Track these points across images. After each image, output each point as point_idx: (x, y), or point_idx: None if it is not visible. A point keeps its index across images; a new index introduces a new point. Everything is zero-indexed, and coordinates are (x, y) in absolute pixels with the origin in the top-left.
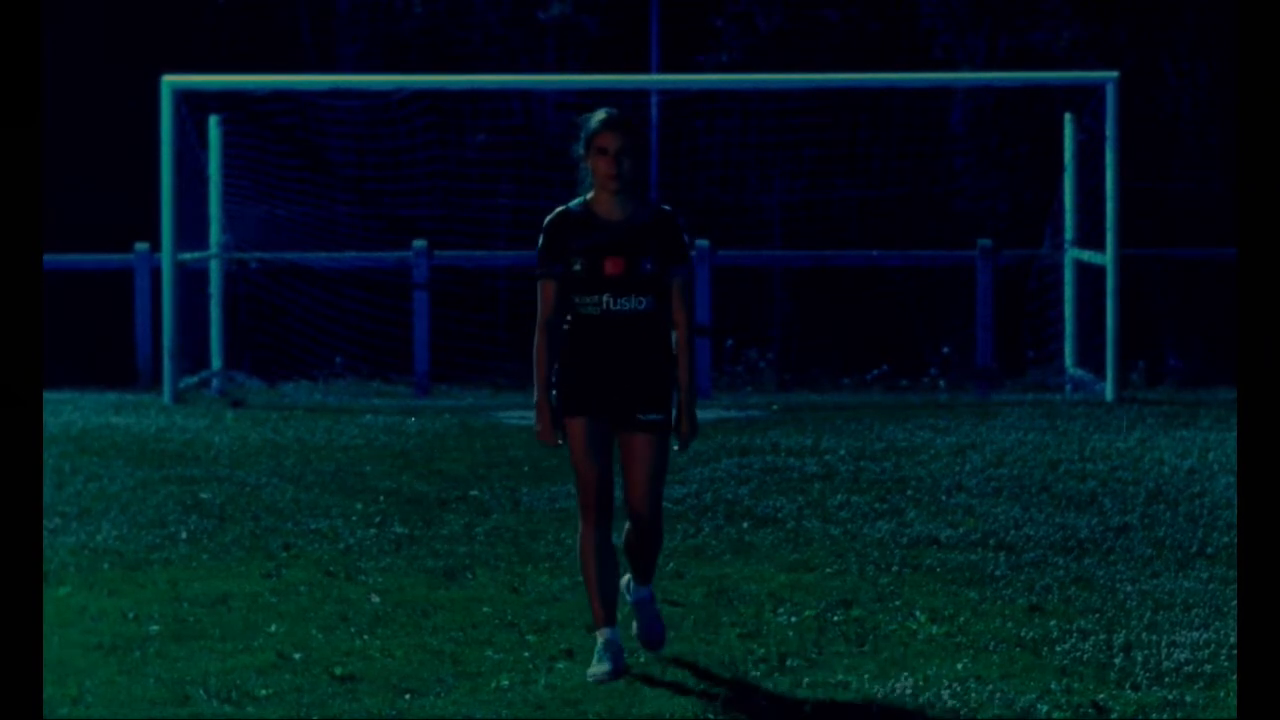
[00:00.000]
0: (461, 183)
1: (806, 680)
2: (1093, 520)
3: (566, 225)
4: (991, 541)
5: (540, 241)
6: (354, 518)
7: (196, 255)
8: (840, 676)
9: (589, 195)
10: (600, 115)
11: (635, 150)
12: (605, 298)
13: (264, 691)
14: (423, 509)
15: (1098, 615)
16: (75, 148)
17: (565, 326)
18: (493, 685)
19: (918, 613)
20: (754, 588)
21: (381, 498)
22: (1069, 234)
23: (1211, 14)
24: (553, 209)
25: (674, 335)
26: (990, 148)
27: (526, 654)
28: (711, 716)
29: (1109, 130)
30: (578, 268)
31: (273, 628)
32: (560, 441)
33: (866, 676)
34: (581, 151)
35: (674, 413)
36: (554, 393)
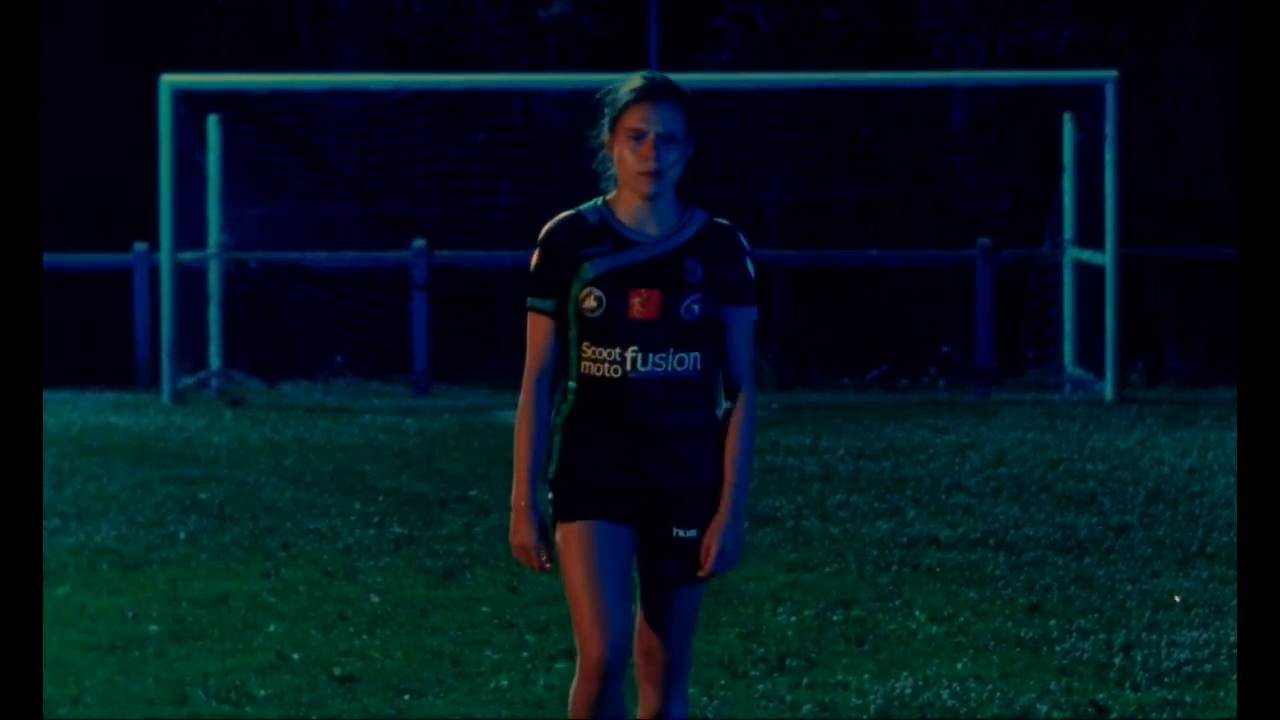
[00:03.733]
0: (461, 182)
1: (806, 680)
2: (1092, 520)
3: (575, 237)
4: (991, 541)
5: (535, 257)
6: (353, 517)
7: (195, 255)
8: (840, 676)
9: (610, 196)
10: (636, 82)
11: (686, 133)
12: (631, 352)
13: (263, 691)
14: (422, 509)
15: (1097, 615)
16: (74, 147)
17: (567, 392)
18: (492, 685)
19: (917, 612)
20: (753, 587)
21: (380, 497)
22: (1069, 233)
23: (1212, 13)
24: (554, 211)
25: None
26: (990, 147)
27: (525, 654)
28: (711, 716)
29: (1109, 130)
30: (591, 303)
31: (272, 627)
32: (548, 563)
33: (866, 676)
34: (605, 136)
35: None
36: (549, 493)
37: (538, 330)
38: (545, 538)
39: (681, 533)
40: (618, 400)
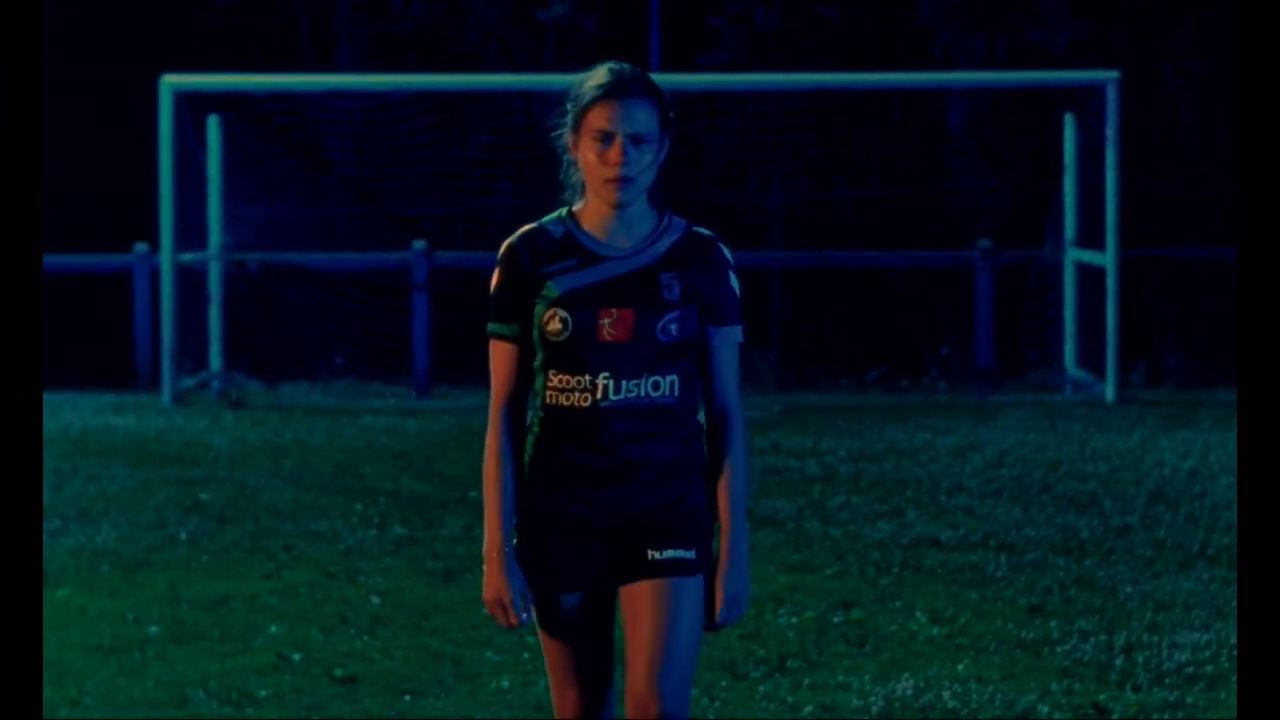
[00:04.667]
0: (462, 183)
1: (807, 681)
2: (1093, 521)
3: (537, 253)
4: (992, 542)
5: (494, 277)
6: (354, 519)
7: (196, 256)
8: (841, 678)
9: (576, 206)
10: (600, 76)
11: (659, 132)
12: (602, 379)
13: (264, 693)
14: (423, 510)
15: (1098, 616)
16: (75, 148)
17: (532, 425)
18: (492, 687)
19: (918, 614)
20: (754, 588)
21: (381, 499)
22: (1069, 234)
23: (1211, 13)
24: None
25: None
26: (990, 147)
27: (526, 655)
28: (712, 718)
29: (1109, 131)
30: (556, 325)
31: (272, 629)
32: (526, 617)
33: (867, 678)
34: (567, 138)
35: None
36: (515, 535)
37: (501, 358)
38: (523, 591)
39: (656, 554)
40: (588, 432)
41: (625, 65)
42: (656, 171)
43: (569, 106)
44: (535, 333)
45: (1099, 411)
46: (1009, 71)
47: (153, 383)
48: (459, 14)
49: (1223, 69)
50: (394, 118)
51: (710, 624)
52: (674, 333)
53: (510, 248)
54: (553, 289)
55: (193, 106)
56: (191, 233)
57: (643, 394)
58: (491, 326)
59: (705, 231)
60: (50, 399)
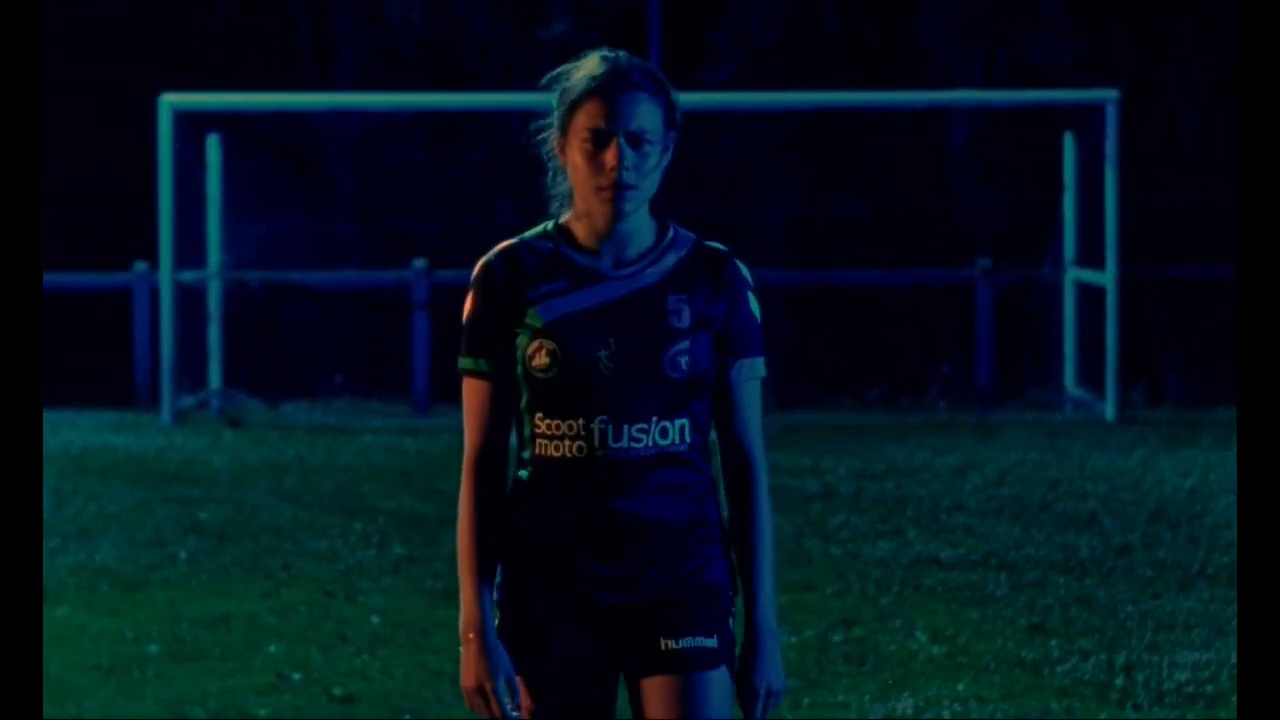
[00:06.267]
0: (461, 201)
1: (807, 700)
2: (1094, 540)
3: (519, 274)
4: (992, 561)
5: (467, 303)
6: (353, 538)
7: (195, 274)
8: (841, 697)
9: (563, 218)
10: (592, 65)
11: (663, 130)
12: (599, 424)
13: (263, 711)
14: (422, 529)
15: (1099, 635)
16: (75, 167)
17: (519, 477)
18: None
19: (919, 633)
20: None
21: (381, 518)
22: (1069, 253)
23: (1211, 30)
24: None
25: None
26: (990, 166)
27: None
28: None
29: (1109, 150)
30: (543, 359)
31: (272, 648)
32: (511, 708)
33: (867, 697)
34: (554, 140)
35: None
36: (497, 616)
37: (474, 400)
38: (509, 677)
39: (672, 644)
40: (584, 488)
41: (620, 53)
42: (660, 177)
43: (555, 103)
44: (519, 369)
45: (1099, 430)
46: (1009, 90)
47: (152, 401)
48: (459, 32)
49: (1224, 86)
50: (394, 136)
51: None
52: (683, 366)
53: (486, 266)
54: (538, 316)
55: (192, 125)
56: (191, 251)
57: (649, 442)
58: (463, 362)
59: (718, 246)
60: (50, 417)
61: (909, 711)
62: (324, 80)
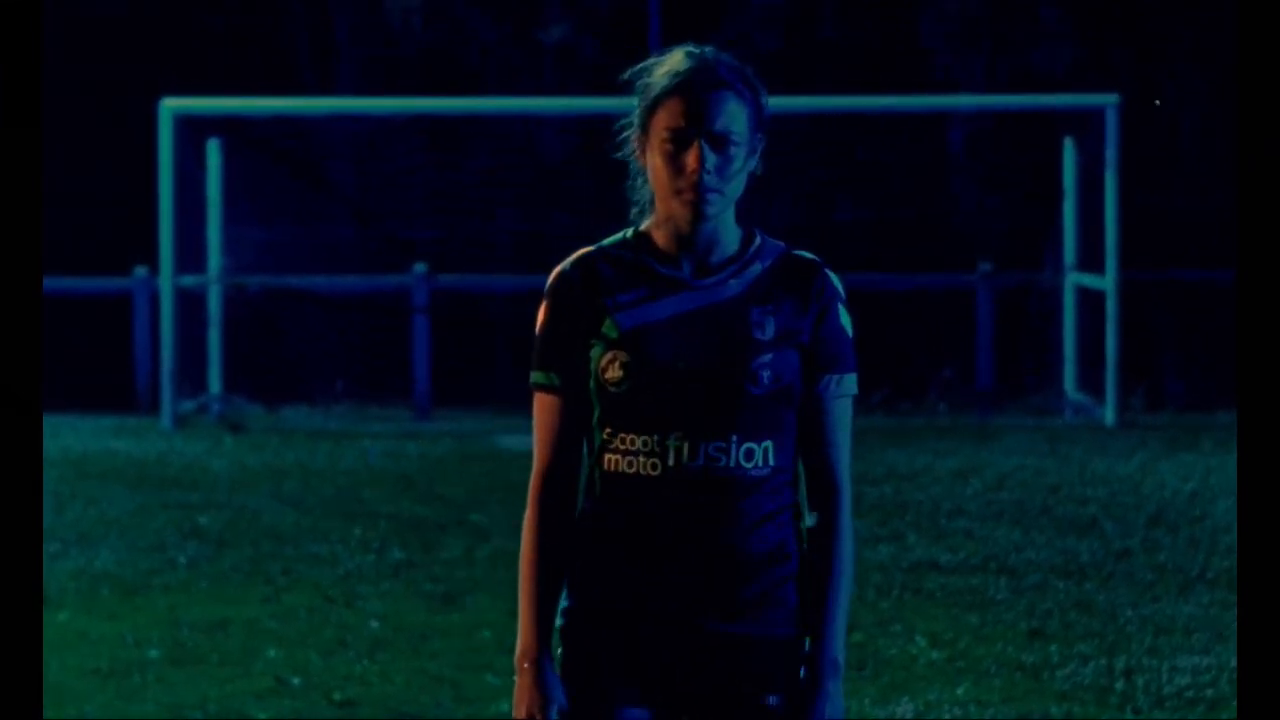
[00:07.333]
0: (462, 205)
1: None
2: (1094, 544)
3: (596, 282)
4: (992, 565)
5: (540, 314)
6: (353, 542)
7: (196, 279)
8: None
9: (644, 225)
10: (676, 61)
11: (750, 131)
12: (674, 440)
13: (262, 716)
14: (422, 533)
15: (1099, 640)
16: (75, 171)
17: (589, 497)
18: (492, 711)
19: (918, 637)
20: None
21: (381, 522)
22: (1069, 258)
23: (1211, 34)
24: (555, 235)
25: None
26: (990, 170)
27: None
28: None
29: (1109, 155)
30: (615, 372)
31: (271, 653)
32: None
33: (867, 701)
34: (634, 141)
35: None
36: (558, 646)
37: (544, 416)
38: (564, 708)
39: (772, 699)
40: (656, 509)
41: (708, 48)
42: (745, 181)
43: (636, 101)
44: (591, 382)
45: (1099, 434)
46: (1009, 95)
47: (152, 406)
48: (459, 36)
49: (1224, 90)
50: (394, 140)
51: None
52: (765, 380)
53: (561, 275)
54: (615, 326)
55: (192, 129)
56: (191, 255)
57: (730, 462)
58: (534, 376)
59: (809, 255)
60: (50, 422)
61: (909, 715)
62: (324, 84)
